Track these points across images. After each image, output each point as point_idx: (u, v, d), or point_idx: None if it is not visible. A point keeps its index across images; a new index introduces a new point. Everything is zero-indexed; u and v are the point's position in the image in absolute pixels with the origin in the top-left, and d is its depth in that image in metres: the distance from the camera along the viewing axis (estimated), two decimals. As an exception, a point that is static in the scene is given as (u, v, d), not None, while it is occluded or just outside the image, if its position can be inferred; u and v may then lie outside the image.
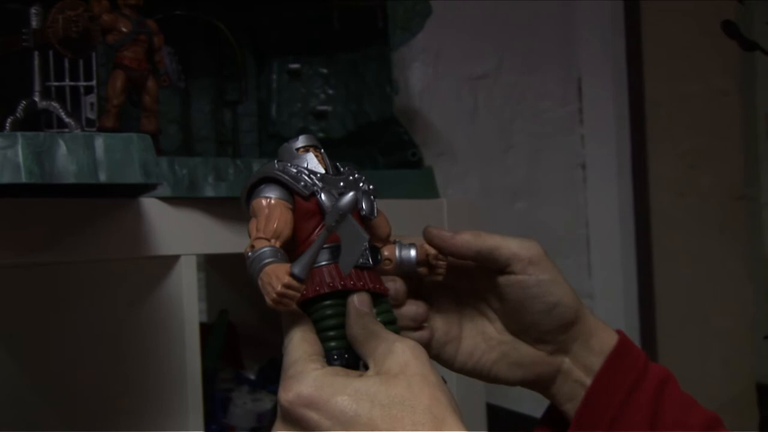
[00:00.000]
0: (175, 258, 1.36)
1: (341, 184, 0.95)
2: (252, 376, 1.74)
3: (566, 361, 1.05)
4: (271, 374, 1.76)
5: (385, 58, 1.75)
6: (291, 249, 0.92)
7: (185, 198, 1.37)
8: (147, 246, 1.33)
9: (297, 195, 0.93)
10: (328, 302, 0.91)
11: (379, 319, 0.91)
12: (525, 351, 1.06)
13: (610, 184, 2.26)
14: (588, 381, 1.04)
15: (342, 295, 0.91)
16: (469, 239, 1.02)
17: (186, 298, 1.36)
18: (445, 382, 0.89)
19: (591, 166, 2.27)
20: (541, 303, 1.03)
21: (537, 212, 2.19)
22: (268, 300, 0.85)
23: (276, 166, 0.94)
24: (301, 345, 0.87)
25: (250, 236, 0.92)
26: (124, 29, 1.42)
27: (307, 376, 0.83)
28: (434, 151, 1.96)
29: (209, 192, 1.39)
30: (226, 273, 1.96)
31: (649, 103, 2.30)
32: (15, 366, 1.59)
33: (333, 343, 0.90)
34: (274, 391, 1.66)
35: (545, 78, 2.24)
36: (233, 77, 1.74)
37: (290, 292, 0.84)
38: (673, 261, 2.30)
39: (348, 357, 0.90)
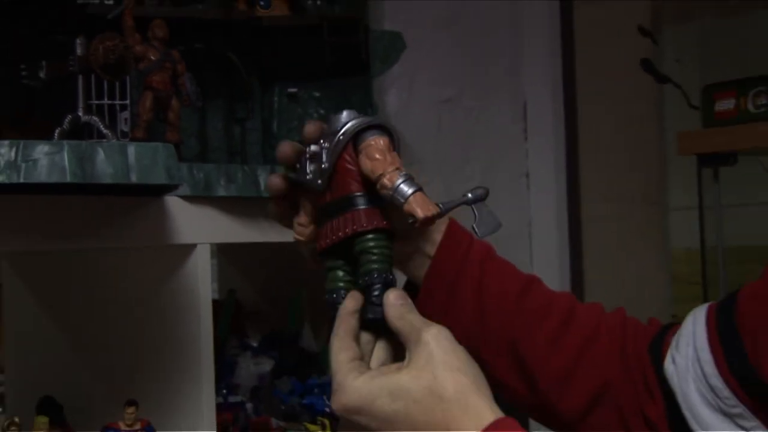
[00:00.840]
0: (192, 246, 1.37)
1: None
2: (255, 344, 1.75)
3: (421, 242, 1.05)
4: (271, 342, 1.76)
5: (367, 85, 1.77)
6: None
7: (201, 197, 1.39)
8: (169, 236, 1.35)
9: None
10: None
11: (371, 259, 0.89)
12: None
13: (549, 190, 2.26)
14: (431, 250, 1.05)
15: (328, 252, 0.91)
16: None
17: (201, 279, 1.38)
18: None
19: (533, 175, 2.27)
20: None
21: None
22: (422, 213, 0.86)
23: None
24: (338, 354, 0.86)
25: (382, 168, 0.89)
26: (153, 57, 1.42)
27: (348, 387, 0.83)
28: (405, 161, 1.93)
29: (221, 192, 1.41)
30: (234, 259, 1.95)
31: (582, 123, 2.30)
32: (62, 335, 1.58)
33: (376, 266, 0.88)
34: (273, 356, 1.70)
35: (497, 102, 2.24)
36: (242, 99, 1.74)
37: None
38: (600, 254, 2.31)
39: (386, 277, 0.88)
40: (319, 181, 0.90)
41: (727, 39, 1.88)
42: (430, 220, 0.88)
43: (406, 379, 0.83)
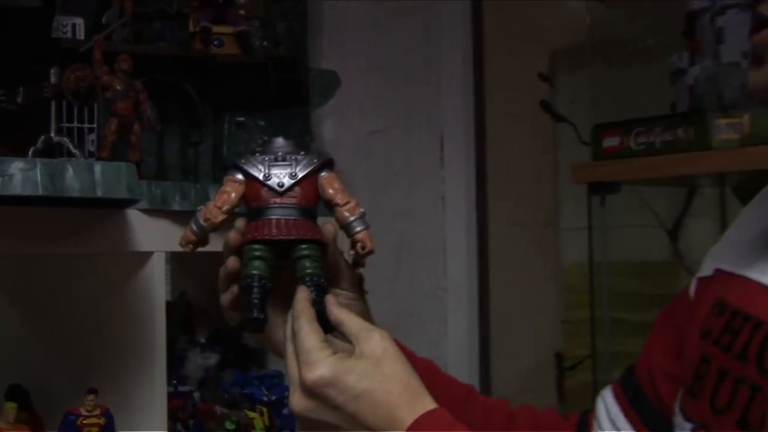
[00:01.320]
0: (149, 254, 1.37)
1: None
2: (202, 340, 1.74)
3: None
4: (216, 339, 1.76)
5: (306, 116, 1.81)
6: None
7: (158, 210, 1.38)
8: (129, 244, 1.34)
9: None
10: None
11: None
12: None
13: (461, 211, 2.26)
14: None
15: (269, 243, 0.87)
16: None
17: (156, 282, 1.37)
18: None
19: (448, 198, 2.26)
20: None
21: (410, 229, 2.20)
22: (371, 246, 0.89)
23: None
24: (311, 336, 0.83)
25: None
26: (118, 87, 1.43)
27: (324, 361, 0.81)
28: (338, 183, 1.95)
29: (176, 207, 1.40)
30: (185, 265, 1.93)
31: (490, 154, 2.31)
32: (30, 329, 1.56)
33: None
34: (218, 351, 1.69)
35: (418, 134, 2.24)
36: (196, 125, 1.75)
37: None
38: (504, 267, 2.31)
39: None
40: (284, 185, 0.88)
41: (613, 86, 1.91)
42: (370, 255, 0.90)
43: (368, 364, 0.82)
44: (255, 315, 0.84)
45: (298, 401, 0.82)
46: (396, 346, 0.84)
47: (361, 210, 0.91)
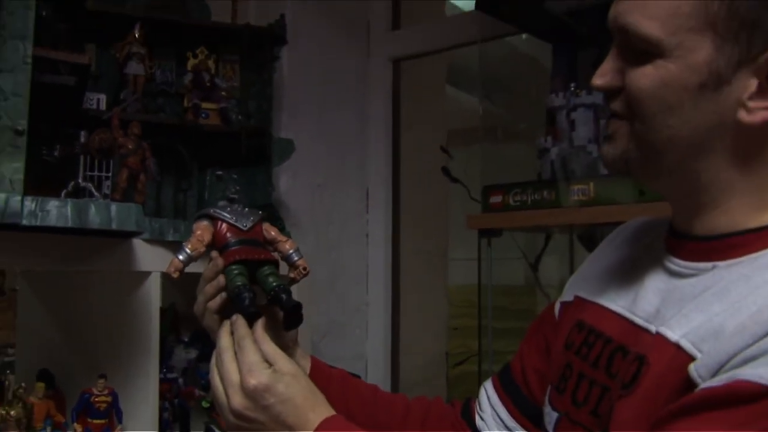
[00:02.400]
0: (148, 273, 1.35)
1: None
2: (186, 339, 1.72)
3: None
4: (197, 338, 1.73)
5: (268, 172, 1.77)
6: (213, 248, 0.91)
7: (156, 240, 1.36)
8: (134, 265, 1.33)
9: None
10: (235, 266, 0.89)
11: (270, 279, 0.89)
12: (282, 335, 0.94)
13: (380, 245, 2.26)
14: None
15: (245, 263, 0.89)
16: None
17: (153, 294, 1.36)
18: None
19: (371, 236, 2.27)
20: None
21: (342, 258, 2.19)
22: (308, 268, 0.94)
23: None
24: (255, 353, 0.83)
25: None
26: (130, 146, 1.43)
27: (264, 372, 0.80)
28: (290, 223, 1.96)
29: (170, 238, 1.39)
30: (174, 282, 1.89)
31: (403, 204, 2.32)
32: (56, 326, 1.54)
33: (239, 283, 0.87)
34: (197, 348, 1.69)
35: (350, 187, 2.24)
36: (185, 176, 1.74)
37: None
38: (410, 287, 2.32)
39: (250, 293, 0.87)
40: (247, 226, 0.92)
41: (496, 158, 1.92)
42: (307, 275, 0.95)
43: (291, 377, 0.81)
44: (252, 310, 0.86)
45: (239, 401, 0.81)
46: (301, 369, 0.85)
47: (296, 245, 0.96)
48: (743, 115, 0.72)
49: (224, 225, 0.91)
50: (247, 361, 0.82)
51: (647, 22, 0.73)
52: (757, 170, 0.75)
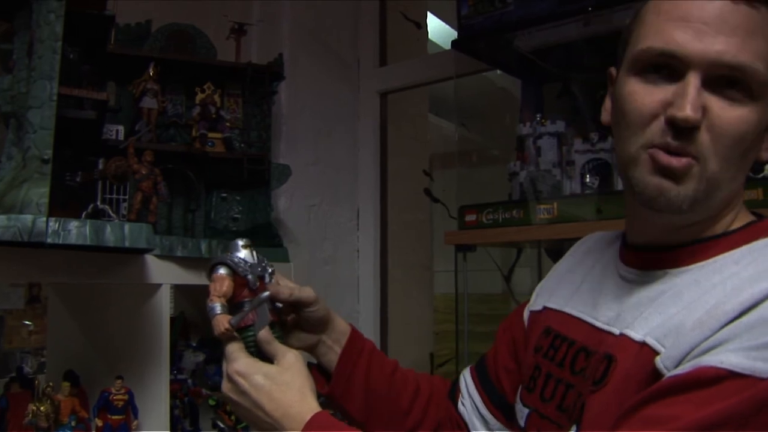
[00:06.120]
0: (159, 285, 1.36)
1: (259, 269, 0.90)
2: (194, 344, 1.71)
3: (323, 336, 0.99)
4: (204, 343, 1.73)
5: (268, 194, 1.76)
6: (230, 301, 0.88)
7: (167, 256, 1.37)
8: (147, 278, 1.33)
9: (236, 274, 0.88)
10: (251, 330, 0.87)
11: (275, 335, 0.88)
12: (305, 336, 0.98)
13: (370, 260, 2.26)
14: (335, 346, 0.99)
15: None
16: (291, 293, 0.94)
17: (164, 304, 1.36)
18: (311, 366, 0.91)
19: (362, 251, 2.27)
20: (317, 316, 0.97)
21: (335, 271, 2.18)
22: (216, 332, 0.85)
23: (228, 256, 0.89)
24: (238, 349, 0.84)
25: (209, 293, 0.87)
26: (143, 172, 1.42)
27: (242, 360, 0.83)
28: (288, 239, 1.96)
29: (179, 253, 1.39)
30: (184, 292, 1.90)
31: (390, 223, 2.32)
32: (81, 331, 1.54)
33: (252, 350, 0.86)
34: (205, 352, 1.68)
35: (342, 207, 2.23)
36: (194, 198, 1.72)
37: (227, 333, 0.84)
38: (397, 296, 2.31)
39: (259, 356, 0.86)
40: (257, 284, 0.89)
41: (472, 180, 1.90)
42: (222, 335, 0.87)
43: (276, 369, 0.82)
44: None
45: (224, 384, 0.84)
46: (302, 362, 0.84)
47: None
48: (763, 155, 0.73)
49: (238, 279, 0.88)
50: (230, 350, 0.84)
51: (760, 64, 0.68)
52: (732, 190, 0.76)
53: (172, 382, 1.42)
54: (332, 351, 0.99)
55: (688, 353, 0.65)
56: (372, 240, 2.26)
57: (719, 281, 0.70)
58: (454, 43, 1.66)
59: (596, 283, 0.85)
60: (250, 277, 0.88)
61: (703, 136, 0.69)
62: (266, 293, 0.88)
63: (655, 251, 0.78)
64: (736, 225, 0.76)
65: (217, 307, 0.85)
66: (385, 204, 2.31)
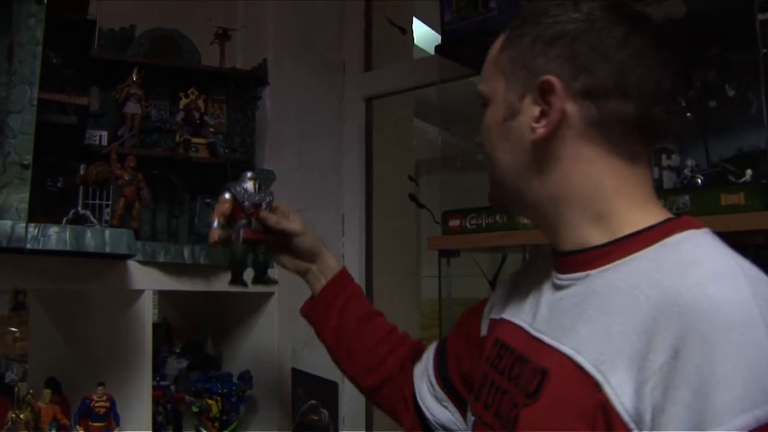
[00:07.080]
0: (141, 291, 1.35)
1: (256, 198, 1.12)
2: (177, 350, 1.70)
3: (313, 266, 1.19)
4: (187, 349, 1.72)
5: None
6: (228, 219, 1.11)
7: (149, 262, 1.36)
8: (129, 284, 1.33)
9: (236, 200, 1.11)
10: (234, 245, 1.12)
11: (261, 253, 1.16)
12: (297, 262, 1.19)
13: (355, 264, 2.25)
14: (322, 278, 1.18)
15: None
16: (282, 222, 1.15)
17: (146, 310, 1.37)
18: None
19: (347, 256, 2.26)
20: (303, 246, 1.16)
21: None
22: (209, 241, 1.10)
23: (234, 184, 1.11)
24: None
25: (214, 211, 1.11)
26: (126, 177, 1.42)
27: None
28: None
29: (162, 259, 1.39)
30: (167, 298, 1.90)
31: (375, 228, 2.32)
32: (62, 338, 1.54)
33: (234, 259, 1.16)
34: (188, 358, 1.66)
35: (327, 213, 2.24)
36: (177, 204, 1.71)
37: (215, 244, 1.11)
38: (383, 301, 2.29)
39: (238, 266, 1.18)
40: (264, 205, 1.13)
41: (456, 185, 1.91)
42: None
43: None
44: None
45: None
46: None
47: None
48: (531, 136, 0.80)
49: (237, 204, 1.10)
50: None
51: (482, 85, 0.88)
52: (558, 183, 0.80)
53: (154, 388, 1.41)
54: (319, 282, 1.18)
55: (630, 363, 0.66)
56: (357, 245, 2.26)
57: (636, 283, 0.71)
58: (437, 48, 1.67)
59: (536, 291, 0.87)
60: (246, 203, 1.09)
61: None
62: (243, 221, 1.09)
63: (576, 254, 0.80)
64: (646, 224, 0.77)
65: (215, 223, 1.07)
66: (371, 209, 2.31)
